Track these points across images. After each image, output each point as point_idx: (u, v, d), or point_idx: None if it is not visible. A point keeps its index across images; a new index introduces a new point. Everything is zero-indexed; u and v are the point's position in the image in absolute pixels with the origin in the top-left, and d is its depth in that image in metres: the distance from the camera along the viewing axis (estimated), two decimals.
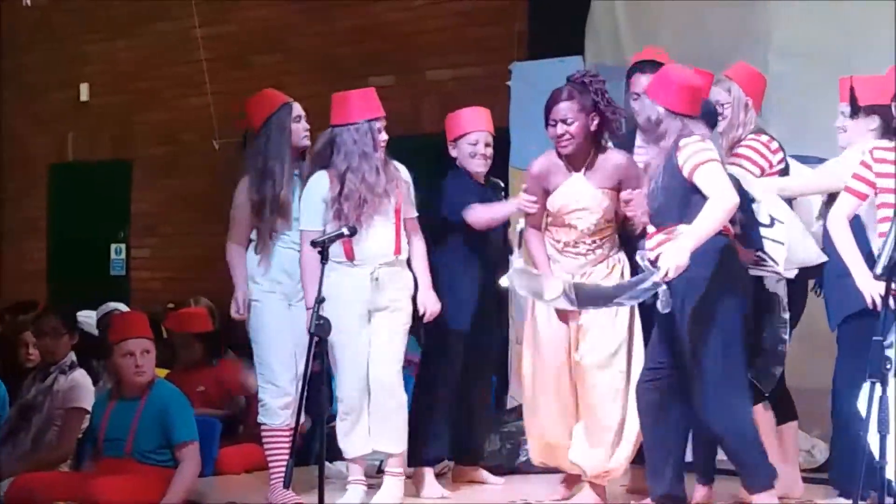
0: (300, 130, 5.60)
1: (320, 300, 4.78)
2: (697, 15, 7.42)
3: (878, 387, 3.73)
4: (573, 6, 7.95)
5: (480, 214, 5.60)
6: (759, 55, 6.93)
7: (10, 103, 11.32)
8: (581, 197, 5.23)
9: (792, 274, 5.14)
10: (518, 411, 6.56)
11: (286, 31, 9.68)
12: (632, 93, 5.51)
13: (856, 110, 5.17)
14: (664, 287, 4.73)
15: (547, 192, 5.31)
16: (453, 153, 5.76)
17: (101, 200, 10.63)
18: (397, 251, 5.45)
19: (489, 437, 6.26)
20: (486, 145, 5.75)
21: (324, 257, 4.91)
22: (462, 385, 5.76)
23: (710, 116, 5.12)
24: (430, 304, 5.48)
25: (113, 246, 10.58)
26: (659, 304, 4.79)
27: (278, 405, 5.49)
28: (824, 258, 5.06)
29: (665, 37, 7.51)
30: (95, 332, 7.43)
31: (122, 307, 7.70)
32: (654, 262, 4.82)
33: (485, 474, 5.98)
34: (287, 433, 5.49)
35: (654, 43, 7.58)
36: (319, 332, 4.69)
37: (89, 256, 10.65)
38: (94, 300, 8.16)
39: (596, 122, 5.20)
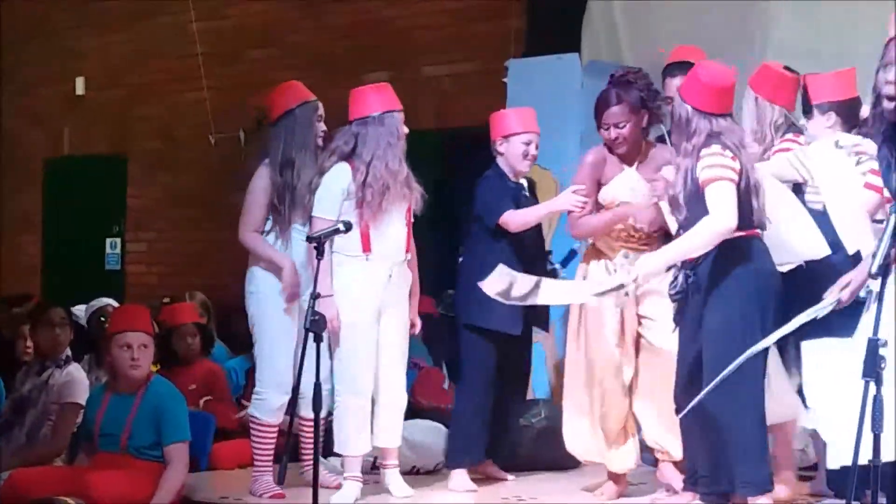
0: (319, 129, 5.64)
1: (315, 296, 4.79)
2: (694, 12, 7.43)
3: (872, 386, 3.73)
4: (570, 3, 7.97)
5: (519, 218, 5.64)
6: (755, 54, 6.95)
7: (6, 98, 11.31)
8: (634, 190, 5.31)
9: (786, 268, 5.12)
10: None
11: (282, 27, 9.67)
12: (665, 97, 5.53)
13: (807, 109, 5.21)
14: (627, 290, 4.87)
15: (599, 184, 5.37)
16: (500, 150, 5.76)
17: (97, 195, 10.63)
18: (407, 250, 5.52)
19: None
20: (536, 146, 5.79)
21: (319, 252, 4.92)
22: (498, 384, 5.79)
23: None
24: (415, 316, 5.57)
25: (108, 240, 10.58)
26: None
27: (276, 405, 5.49)
28: (825, 252, 5.03)
29: (661, 35, 7.53)
30: (85, 326, 7.41)
31: (113, 303, 7.69)
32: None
33: (496, 469, 6.01)
34: (275, 428, 5.52)
35: (650, 41, 7.63)
36: (315, 329, 4.68)
37: (84, 251, 10.65)
38: (89, 295, 8.16)
39: (645, 118, 5.32)
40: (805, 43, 6.77)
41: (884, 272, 3.99)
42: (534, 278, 5.11)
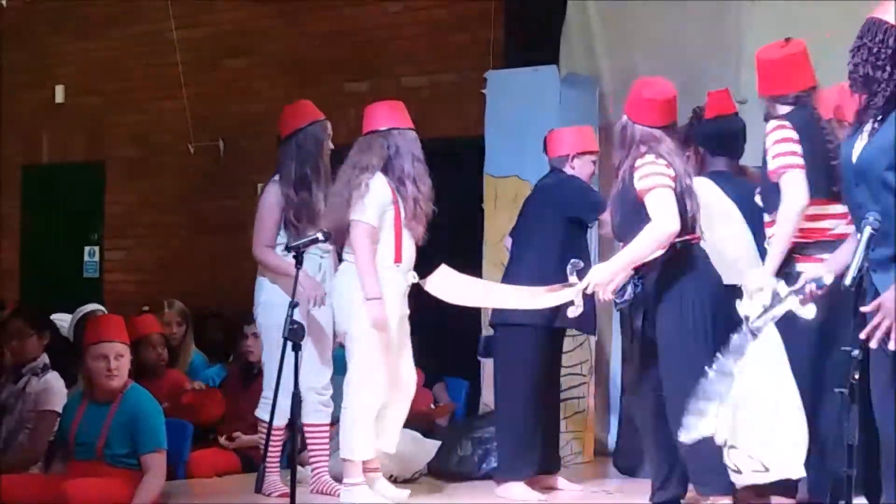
0: (328, 147, 5.80)
1: (294, 304, 4.82)
2: (671, 25, 7.48)
3: (846, 397, 3.77)
4: (548, 16, 7.99)
5: None
6: (730, 65, 7.01)
7: None
8: None
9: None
10: (489, 418, 6.60)
11: (261, 35, 9.67)
12: None
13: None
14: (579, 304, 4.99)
15: None
16: (574, 164, 5.97)
17: (75, 202, 10.59)
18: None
19: (461, 443, 6.30)
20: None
21: (298, 262, 4.98)
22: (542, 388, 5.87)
23: (731, 138, 5.21)
24: None
25: (86, 248, 10.54)
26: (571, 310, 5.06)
27: (284, 408, 5.50)
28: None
29: (639, 47, 7.58)
30: (69, 334, 7.38)
31: (102, 309, 7.67)
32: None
33: (563, 481, 6.06)
34: (282, 430, 5.59)
35: (627, 53, 7.67)
36: (293, 338, 4.71)
37: (62, 258, 10.60)
38: (67, 302, 8.14)
39: None
40: None
41: (858, 283, 4.04)
42: (482, 282, 5.19)
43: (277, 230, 5.70)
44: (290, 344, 4.73)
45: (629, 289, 4.95)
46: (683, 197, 4.91)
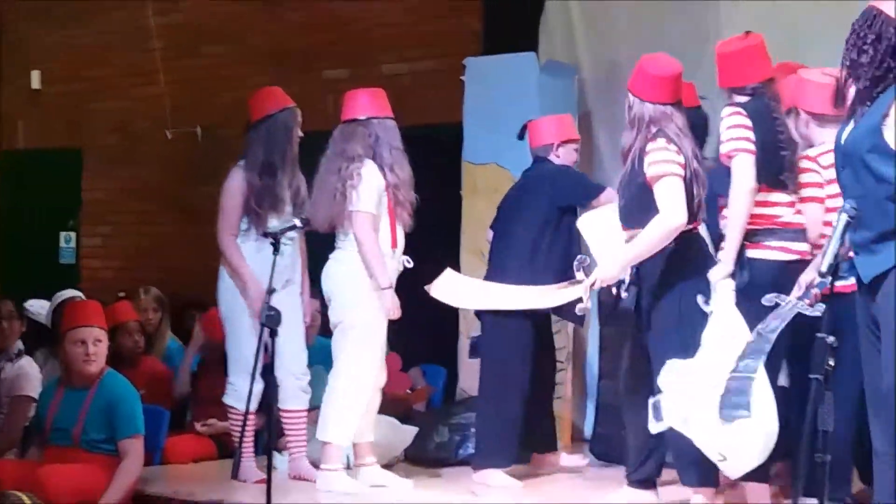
0: (297, 135, 5.78)
1: (271, 291, 4.81)
2: (650, 14, 7.48)
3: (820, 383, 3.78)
4: (528, 2, 7.99)
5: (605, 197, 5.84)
6: (710, 55, 7.00)
7: None
8: None
9: None
10: (466, 404, 6.61)
11: (241, 22, 9.64)
12: None
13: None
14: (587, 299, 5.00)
15: None
16: (559, 153, 6.03)
17: (52, 189, 10.54)
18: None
19: (439, 429, 6.31)
20: None
21: (276, 249, 4.96)
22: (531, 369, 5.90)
23: (693, 130, 5.25)
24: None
25: (62, 234, 10.50)
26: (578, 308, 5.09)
27: (247, 392, 5.48)
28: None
29: (618, 35, 7.59)
30: (46, 321, 7.34)
31: (80, 295, 7.64)
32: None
33: (566, 458, 6.18)
34: (252, 416, 5.55)
35: (607, 41, 7.68)
36: (270, 324, 4.70)
37: (39, 245, 10.56)
38: (43, 289, 8.10)
39: None
40: None
41: (832, 272, 4.06)
42: (487, 284, 5.18)
43: (241, 217, 5.67)
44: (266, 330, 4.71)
45: (627, 276, 4.96)
46: (691, 183, 4.90)
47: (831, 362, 3.78)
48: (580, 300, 5.09)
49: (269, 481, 4.63)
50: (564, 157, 6.04)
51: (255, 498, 5.17)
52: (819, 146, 4.90)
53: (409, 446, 6.27)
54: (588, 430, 7.21)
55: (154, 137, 9.80)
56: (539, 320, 5.90)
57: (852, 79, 3.90)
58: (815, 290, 4.35)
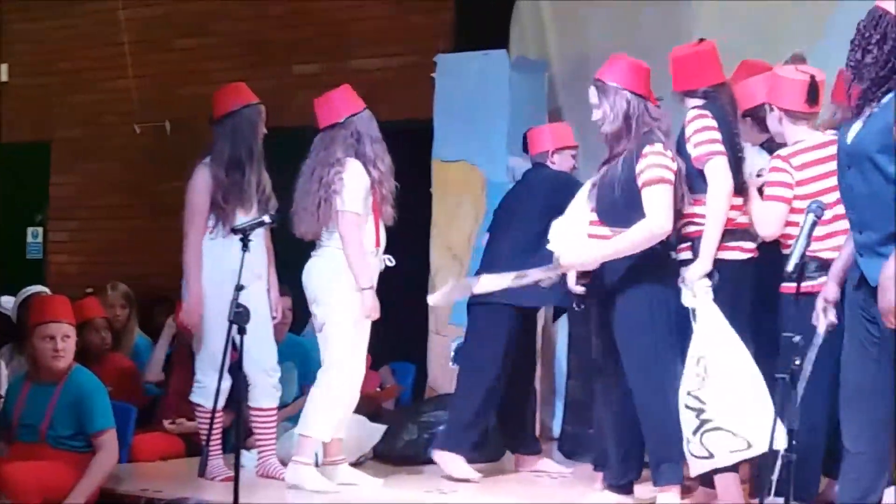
0: (262, 131, 5.75)
1: (240, 288, 4.79)
2: (622, 10, 7.50)
3: (787, 381, 3.81)
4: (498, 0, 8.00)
5: None
6: None
7: None
8: None
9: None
10: (436, 402, 6.61)
11: (211, 16, 9.60)
12: None
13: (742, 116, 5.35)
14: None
15: None
16: (554, 159, 6.08)
17: (19, 183, 10.47)
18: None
19: (407, 427, 6.30)
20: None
21: (245, 246, 4.94)
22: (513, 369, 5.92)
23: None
24: None
25: (30, 229, 10.44)
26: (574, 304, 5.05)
27: (214, 390, 5.47)
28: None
29: (589, 33, 7.60)
30: (13, 315, 7.30)
31: (46, 290, 7.59)
32: None
33: (549, 463, 6.10)
34: (220, 413, 5.53)
35: (578, 38, 7.69)
36: (238, 321, 4.68)
37: (5, 240, 10.48)
38: (10, 284, 8.04)
39: None
40: (729, 42, 6.84)
41: (799, 272, 4.09)
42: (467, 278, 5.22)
43: (208, 214, 5.65)
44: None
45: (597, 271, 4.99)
46: (677, 188, 4.94)
47: (797, 361, 3.81)
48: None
49: (236, 479, 4.62)
50: (560, 163, 6.11)
51: (222, 496, 5.16)
52: (792, 146, 4.93)
53: (378, 444, 6.27)
54: (557, 428, 7.23)
55: (123, 131, 9.76)
56: (526, 321, 5.93)
57: (857, 79, 3.92)
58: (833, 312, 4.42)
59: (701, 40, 5.22)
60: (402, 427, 6.35)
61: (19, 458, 5.20)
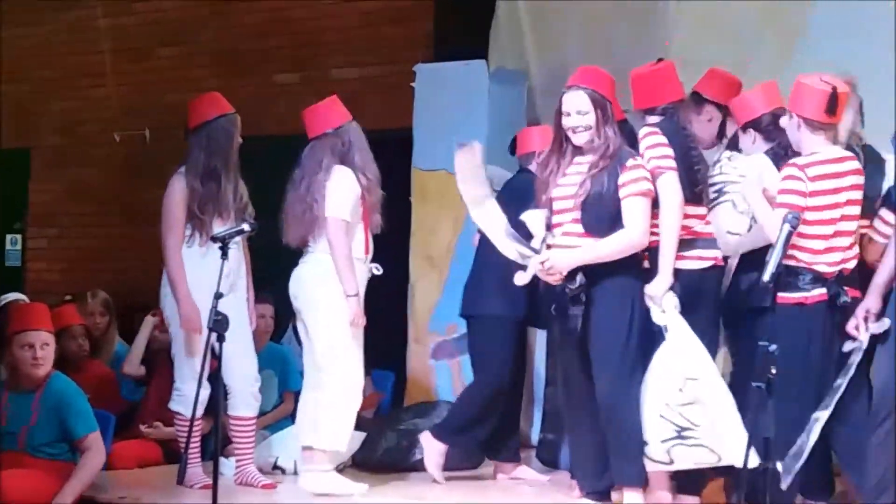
0: (237, 141, 5.74)
1: (218, 296, 4.80)
2: (599, 22, 7.54)
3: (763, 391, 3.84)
4: (478, 10, 8.03)
5: None
6: None
7: None
8: None
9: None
10: (415, 409, 6.62)
11: (191, 25, 9.61)
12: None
13: (744, 129, 5.43)
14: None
15: None
16: (535, 162, 5.94)
17: None
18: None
19: (387, 434, 6.31)
20: None
21: (224, 253, 4.96)
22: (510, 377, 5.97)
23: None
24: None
25: (9, 236, 10.41)
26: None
27: (193, 398, 5.47)
28: None
29: (568, 43, 7.63)
30: None
31: (24, 298, 7.57)
32: None
33: (527, 471, 6.13)
34: (198, 422, 5.54)
35: (557, 49, 7.72)
36: (218, 329, 4.69)
37: None
38: None
39: None
40: (704, 52, 6.90)
41: (776, 280, 4.13)
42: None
43: (185, 223, 5.64)
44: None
45: (578, 277, 5.02)
46: (656, 201, 5.06)
47: (773, 370, 3.84)
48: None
49: (215, 487, 4.63)
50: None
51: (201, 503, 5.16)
52: (808, 155, 4.89)
53: (357, 452, 6.26)
54: (535, 436, 7.24)
55: (102, 139, 9.75)
56: (518, 329, 6.00)
57: None
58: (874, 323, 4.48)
59: (660, 60, 5.36)
60: (381, 435, 6.35)
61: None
